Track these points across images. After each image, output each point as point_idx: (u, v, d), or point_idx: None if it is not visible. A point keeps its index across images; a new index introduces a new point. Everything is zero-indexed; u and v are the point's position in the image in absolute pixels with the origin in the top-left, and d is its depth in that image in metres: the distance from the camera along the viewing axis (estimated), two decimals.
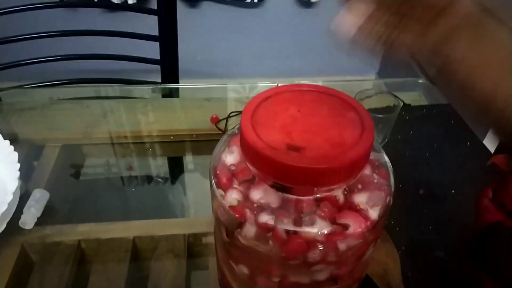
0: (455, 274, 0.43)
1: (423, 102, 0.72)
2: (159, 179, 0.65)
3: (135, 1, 1.39)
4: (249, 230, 0.30)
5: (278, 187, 0.30)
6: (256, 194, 0.31)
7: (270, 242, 0.30)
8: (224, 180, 0.32)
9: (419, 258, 0.46)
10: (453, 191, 0.53)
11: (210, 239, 0.51)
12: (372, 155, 0.34)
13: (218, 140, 0.36)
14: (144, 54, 0.84)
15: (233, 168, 0.33)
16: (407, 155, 0.59)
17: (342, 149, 0.29)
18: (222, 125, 0.66)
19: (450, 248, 0.46)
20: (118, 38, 0.79)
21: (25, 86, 0.79)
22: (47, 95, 0.75)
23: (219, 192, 0.32)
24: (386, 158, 0.35)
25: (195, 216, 0.60)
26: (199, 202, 0.61)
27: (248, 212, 0.30)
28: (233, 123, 0.66)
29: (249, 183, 0.32)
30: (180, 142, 0.69)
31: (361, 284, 0.42)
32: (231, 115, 0.67)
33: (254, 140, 0.29)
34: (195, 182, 0.65)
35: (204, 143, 0.67)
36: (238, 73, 1.68)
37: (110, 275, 0.49)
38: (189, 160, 0.70)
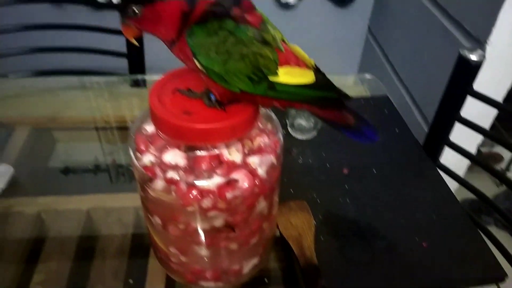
0: (360, 239, 0.50)
1: (366, 94, 0.79)
2: (117, 163, 0.70)
3: (119, 1, 1.44)
4: (157, 184, 0.37)
5: (187, 149, 0.36)
6: (168, 156, 0.37)
7: (173, 193, 0.36)
8: (142, 146, 0.38)
9: (333, 225, 0.52)
10: (374, 171, 0.59)
11: None
12: (271, 130, 0.40)
13: None
14: (111, 48, 0.90)
15: (150, 135, 0.39)
16: (338, 139, 0.64)
17: (226, 115, 0.35)
18: None
19: (363, 219, 0.53)
20: (88, 32, 0.85)
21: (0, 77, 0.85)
22: (20, 84, 0.81)
23: (136, 155, 0.38)
24: (280, 135, 0.40)
25: None
26: None
27: (158, 170, 0.37)
28: None
29: (162, 148, 0.38)
30: None
31: (273, 243, 0.48)
32: None
33: (157, 108, 0.35)
34: None
35: None
36: None
37: (63, 243, 0.54)
38: None
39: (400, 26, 1.40)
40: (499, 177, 0.62)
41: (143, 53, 0.90)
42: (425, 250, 0.49)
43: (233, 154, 0.37)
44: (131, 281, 0.50)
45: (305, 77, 0.35)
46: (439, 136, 0.66)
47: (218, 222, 0.37)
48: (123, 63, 0.92)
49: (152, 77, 0.87)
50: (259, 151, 0.38)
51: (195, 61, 0.33)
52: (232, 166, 0.36)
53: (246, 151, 0.38)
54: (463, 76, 0.60)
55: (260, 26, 0.34)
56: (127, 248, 0.54)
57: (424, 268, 0.48)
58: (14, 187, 0.60)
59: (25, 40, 0.94)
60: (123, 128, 0.74)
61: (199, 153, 0.36)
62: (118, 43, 0.89)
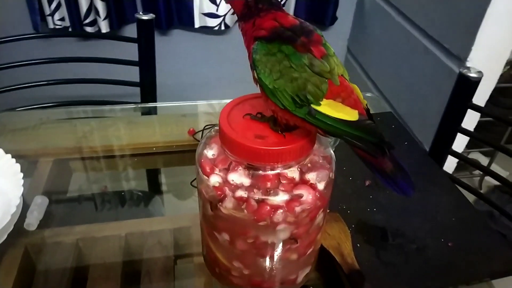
0: (392, 243, 0.54)
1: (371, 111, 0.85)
2: (139, 192, 0.72)
3: (109, 30, 1.47)
4: (229, 202, 0.40)
5: (250, 168, 0.40)
6: (233, 176, 0.41)
7: (244, 210, 0.39)
8: (207, 168, 0.42)
9: (366, 232, 0.56)
10: None
11: (193, 231, 0.60)
12: (321, 148, 0.45)
13: (195, 149, 0.44)
14: (125, 78, 0.93)
15: (213, 158, 0.43)
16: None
17: (293, 138, 0.39)
18: (198, 136, 0.75)
19: (391, 225, 0.58)
20: (102, 64, 0.88)
21: (16, 109, 0.86)
22: (37, 116, 0.82)
23: (204, 177, 0.41)
24: (331, 151, 0.45)
25: (179, 213, 0.68)
26: (179, 204, 0.69)
27: (227, 190, 0.40)
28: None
29: (227, 170, 0.41)
30: (160, 153, 0.77)
31: (318, 254, 0.52)
32: (206, 127, 0.76)
33: (230, 132, 0.39)
34: (175, 187, 0.73)
35: (182, 153, 0.76)
36: (206, 96, 1.79)
37: (107, 269, 0.56)
38: (167, 169, 0.78)
39: (379, 45, 1.50)
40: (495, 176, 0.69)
41: (155, 83, 0.93)
42: (451, 249, 0.54)
43: (293, 172, 0.41)
44: None
45: (348, 114, 0.38)
46: (443, 146, 0.73)
47: (284, 235, 0.41)
48: (136, 91, 0.95)
49: (162, 105, 0.90)
50: (315, 167, 0.42)
51: (254, 72, 0.38)
52: (293, 183, 0.40)
53: (302, 169, 0.42)
54: (464, 92, 0.67)
55: (322, 58, 0.38)
56: (171, 269, 0.56)
57: (454, 265, 0.53)
58: (48, 218, 0.61)
59: (41, 73, 0.96)
60: (136, 155, 0.77)
61: (262, 172, 0.40)
62: (131, 74, 0.92)
